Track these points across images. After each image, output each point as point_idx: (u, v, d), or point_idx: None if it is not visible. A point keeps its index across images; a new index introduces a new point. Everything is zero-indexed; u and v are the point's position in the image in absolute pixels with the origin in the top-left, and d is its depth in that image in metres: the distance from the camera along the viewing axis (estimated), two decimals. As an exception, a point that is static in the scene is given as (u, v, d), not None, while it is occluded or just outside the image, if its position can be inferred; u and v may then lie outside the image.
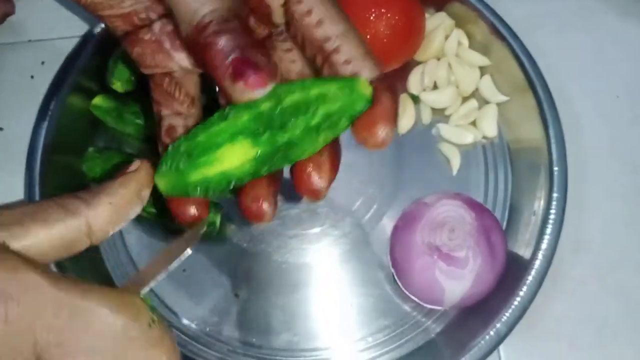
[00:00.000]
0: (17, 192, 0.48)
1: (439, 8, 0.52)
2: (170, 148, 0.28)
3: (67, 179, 0.48)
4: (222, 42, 0.26)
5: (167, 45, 0.31)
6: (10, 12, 0.54)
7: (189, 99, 0.32)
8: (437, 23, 0.51)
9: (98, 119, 0.49)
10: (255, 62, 0.25)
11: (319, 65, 0.30)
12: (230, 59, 0.26)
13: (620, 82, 0.51)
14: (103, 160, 0.47)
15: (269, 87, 0.26)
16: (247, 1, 0.30)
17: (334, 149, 0.29)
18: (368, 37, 0.46)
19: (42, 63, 0.52)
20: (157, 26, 0.31)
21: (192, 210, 0.29)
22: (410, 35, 0.48)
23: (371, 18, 0.46)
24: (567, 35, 0.53)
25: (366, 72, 0.28)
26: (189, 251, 0.27)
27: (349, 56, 0.28)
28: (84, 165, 0.47)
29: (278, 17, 0.30)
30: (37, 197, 0.46)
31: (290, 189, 0.30)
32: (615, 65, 0.52)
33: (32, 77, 0.52)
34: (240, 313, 0.46)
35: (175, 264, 0.26)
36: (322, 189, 0.29)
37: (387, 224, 0.47)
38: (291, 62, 0.31)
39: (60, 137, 0.47)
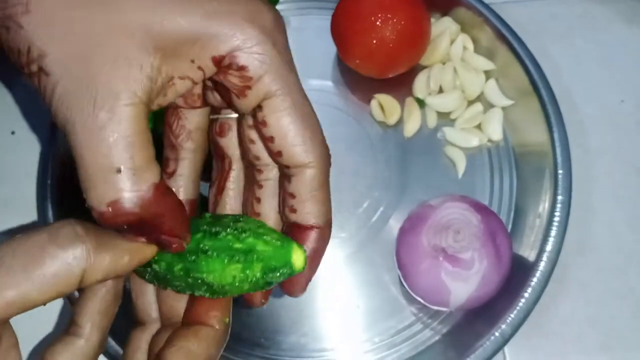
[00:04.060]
0: (28, 193, 0.48)
1: (444, 13, 0.53)
2: None
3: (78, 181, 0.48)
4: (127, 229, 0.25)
5: None
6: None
7: (184, 131, 0.30)
8: (442, 28, 0.51)
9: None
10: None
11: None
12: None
13: (625, 86, 0.52)
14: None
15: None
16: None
17: None
18: (375, 42, 0.47)
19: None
20: None
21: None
22: (416, 40, 0.49)
23: (377, 23, 0.47)
24: (572, 40, 0.53)
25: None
26: None
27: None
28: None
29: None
30: (49, 200, 0.46)
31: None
32: (619, 69, 0.52)
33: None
34: (249, 314, 0.46)
35: None
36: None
37: (393, 226, 0.47)
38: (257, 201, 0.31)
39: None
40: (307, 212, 0.29)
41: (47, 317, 0.46)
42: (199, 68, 0.26)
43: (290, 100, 0.27)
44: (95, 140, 0.23)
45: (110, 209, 0.24)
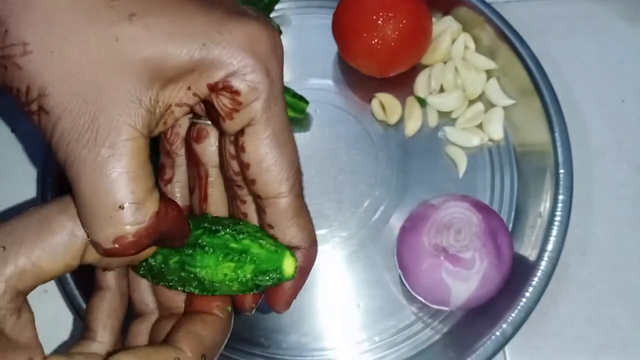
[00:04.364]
0: (29, 191, 0.48)
1: (445, 12, 0.53)
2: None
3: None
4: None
5: None
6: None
7: (178, 138, 0.31)
8: (444, 27, 0.51)
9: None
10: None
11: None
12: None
13: (626, 86, 0.52)
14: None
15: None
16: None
17: None
18: (376, 40, 0.47)
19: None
20: None
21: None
22: (418, 39, 0.49)
23: (379, 22, 0.47)
24: (573, 40, 0.53)
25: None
26: None
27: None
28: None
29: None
30: (49, 198, 0.46)
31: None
32: (621, 69, 0.52)
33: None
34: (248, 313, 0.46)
35: None
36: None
37: (394, 226, 0.47)
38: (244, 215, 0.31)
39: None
40: (290, 239, 0.29)
41: (63, 325, 0.46)
42: (195, 94, 0.26)
43: (271, 130, 0.27)
44: (97, 177, 0.24)
45: (116, 245, 0.24)
